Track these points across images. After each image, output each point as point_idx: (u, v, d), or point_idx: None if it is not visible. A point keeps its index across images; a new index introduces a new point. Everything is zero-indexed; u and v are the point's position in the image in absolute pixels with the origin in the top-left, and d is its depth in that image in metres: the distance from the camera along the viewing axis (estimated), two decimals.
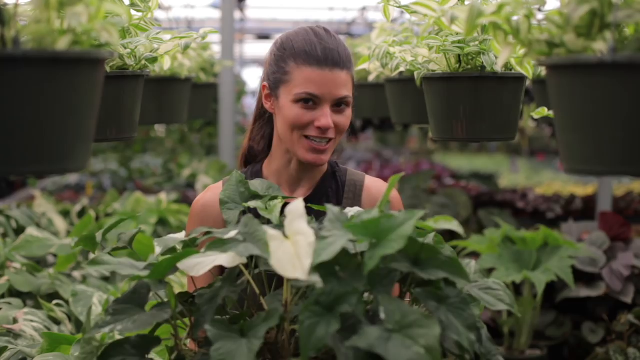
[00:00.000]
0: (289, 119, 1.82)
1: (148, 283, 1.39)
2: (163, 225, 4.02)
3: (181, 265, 1.35)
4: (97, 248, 1.62)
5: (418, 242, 1.33)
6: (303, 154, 1.83)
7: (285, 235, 1.31)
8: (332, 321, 1.20)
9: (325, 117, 1.80)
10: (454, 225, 1.37)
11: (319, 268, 1.25)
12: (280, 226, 1.39)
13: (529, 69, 1.85)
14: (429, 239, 1.40)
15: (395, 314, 1.22)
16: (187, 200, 4.95)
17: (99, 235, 1.61)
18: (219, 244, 1.33)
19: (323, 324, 1.20)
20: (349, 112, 1.86)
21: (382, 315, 1.22)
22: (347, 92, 1.83)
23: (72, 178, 6.39)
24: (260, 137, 2.00)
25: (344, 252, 1.27)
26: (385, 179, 2.01)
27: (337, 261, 1.26)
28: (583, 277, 3.51)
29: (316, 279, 1.24)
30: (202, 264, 1.33)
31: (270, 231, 1.31)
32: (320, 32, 1.85)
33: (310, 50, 1.81)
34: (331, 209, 1.36)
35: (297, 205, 1.33)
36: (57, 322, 2.51)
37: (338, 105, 1.82)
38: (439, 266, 1.32)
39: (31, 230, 3.14)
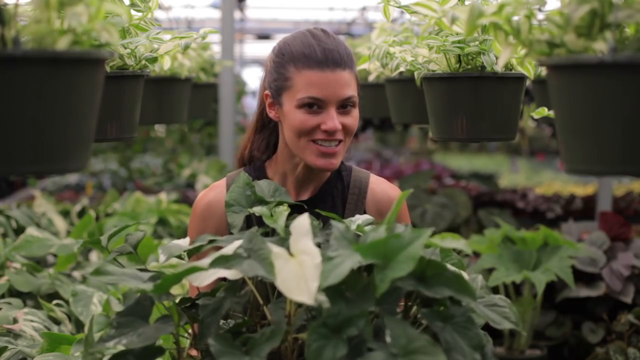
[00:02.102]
0: (295, 125, 1.77)
1: (151, 295, 1.38)
2: (163, 225, 4.02)
3: (186, 277, 1.34)
4: (103, 252, 1.61)
5: (424, 259, 1.31)
6: (313, 160, 1.78)
7: (290, 253, 1.29)
8: (339, 345, 1.19)
9: (332, 119, 1.75)
10: (461, 244, 1.35)
11: (325, 288, 1.23)
12: (285, 239, 1.37)
13: (530, 69, 1.85)
14: (436, 252, 1.39)
15: (401, 339, 1.20)
16: (187, 200, 4.94)
17: (104, 240, 1.61)
18: (223, 261, 1.31)
19: (330, 347, 1.19)
20: (355, 112, 1.81)
21: (388, 339, 1.21)
22: (351, 92, 1.78)
23: (72, 178, 6.38)
24: (264, 146, 1.95)
25: (350, 271, 1.24)
26: (385, 179, 2.01)
27: (344, 280, 1.24)
28: (583, 277, 3.51)
29: (323, 300, 1.23)
30: (206, 274, 1.32)
31: (275, 249, 1.29)
32: (318, 34, 1.81)
33: (310, 52, 1.76)
34: (337, 225, 1.33)
35: (303, 222, 1.31)
36: (57, 322, 2.51)
37: (344, 106, 1.78)
38: (444, 284, 1.31)
39: (31, 230, 3.14)
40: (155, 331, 1.34)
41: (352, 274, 1.25)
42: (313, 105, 1.76)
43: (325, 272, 1.23)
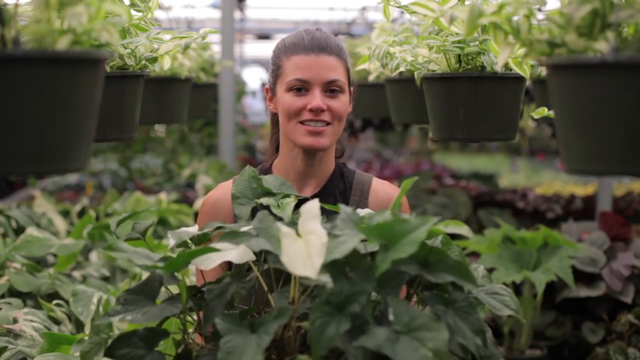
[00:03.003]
0: (284, 108, 1.87)
1: (160, 276, 1.40)
2: (163, 225, 4.02)
3: (196, 257, 1.36)
4: (110, 235, 1.63)
5: (427, 245, 1.33)
6: (301, 140, 1.86)
7: (298, 234, 1.32)
8: (342, 320, 1.21)
9: (316, 99, 1.84)
10: (464, 231, 1.37)
11: (329, 267, 1.25)
12: (293, 224, 1.39)
13: (526, 70, 1.84)
14: (437, 241, 1.41)
15: (404, 316, 1.22)
16: (187, 200, 4.94)
17: (113, 225, 1.62)
18: (232, 236, 1.35)
19: (333, 323, 1.21)
20: (344, 98, 1.89)
21: (391, 317, 1.22)
22: (336, 75, 1.87)
23: (72, 178, 6.39)
24: (274, 140, 2.04)
25: (354, 252, 1.27)
26: (385, 179, 2.02)
27: (348, 261, 1.27)
28: (583, 277, 3.51)
29: (326, 279, 1.24)
30: (211, 258, 1.34)
31: (283, 228, 1.32)
32: (312, 29, 1.93)
33: (298, 41, 1.89)
34: (344, 209, 1.36)
35: (312, 205, 1.34)
36: (57, 322, 2.51)
37: (331, 90, 1.87)
38: (446, 270, 1.33)
39: (31, 230, 3.14)
40: (161, 311, 1.36)
41: (356, 256, 1.28)
42: (301, 88, 1.86)
43: (331, 248, 1.26)
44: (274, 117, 2.01)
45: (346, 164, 2.03)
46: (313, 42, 1.87)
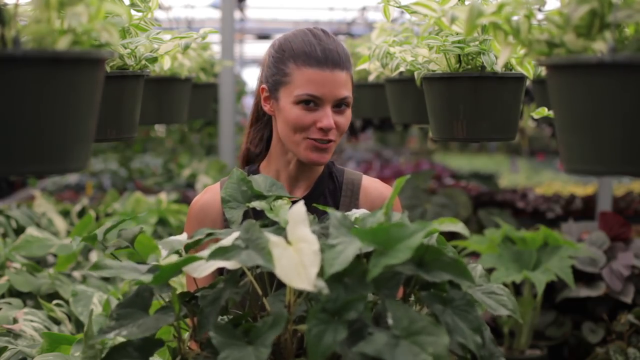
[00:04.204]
0: (291, 120, 1.81)
1: (151, 287, 1.38)
2: (163, 225, 4.02)
3: (184, 266, 1.34)
4: (98, 247, 1.60)
5: (423, 245, 1.31)
6: (306, 154, 1.82)
7: (287, 241, 1.29)
8: (339, 328, 1.19)
9: (327, 117, 1.79)
10: (459, 228, 1.36)
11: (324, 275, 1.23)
12: (282, 229, 1.37)
13: (529, 69, 1.85)
14: (433, 240, 1.40)
15: (403, 320, 1.21)
16: (187, 200, 4.95)
17: (100, 234, 1.60)
18: (221, 252, 1.31)
19: (330, 331, 1.19)
20: (348, 112, 1.86)
21: (390, 321, 1.21)
22: (347, 92, 1.83)
23: (72, 178, 6.39)
24: (258, 139, 1.99)
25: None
26: (385, 179, 2.01)
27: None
28: (583, 277, 3.51)
29: (322, 286, 1.22)
30: (204, 265, 1.32)
31: (272, 237, 1.29)
32: (319, 33, 1.85)
33: (310, 51, 1.81)
34: (333, 214, 1.34)
35: (299, 210, 1.32)
36: (57, 322, 2.51)
37: (338, 105, 1.83)
38: (443, 268, 1.31)
39: (31, 230, 3.14)
40: (156, 322, 1.34)
41: (351, 261, 1.25)
42: (310, 102, 1.80)
43: (329, 260, 1.23)
44: (264, 116, 1.97)
45: (335, 163, 2.00)
46: (326, 54, 1.80)
